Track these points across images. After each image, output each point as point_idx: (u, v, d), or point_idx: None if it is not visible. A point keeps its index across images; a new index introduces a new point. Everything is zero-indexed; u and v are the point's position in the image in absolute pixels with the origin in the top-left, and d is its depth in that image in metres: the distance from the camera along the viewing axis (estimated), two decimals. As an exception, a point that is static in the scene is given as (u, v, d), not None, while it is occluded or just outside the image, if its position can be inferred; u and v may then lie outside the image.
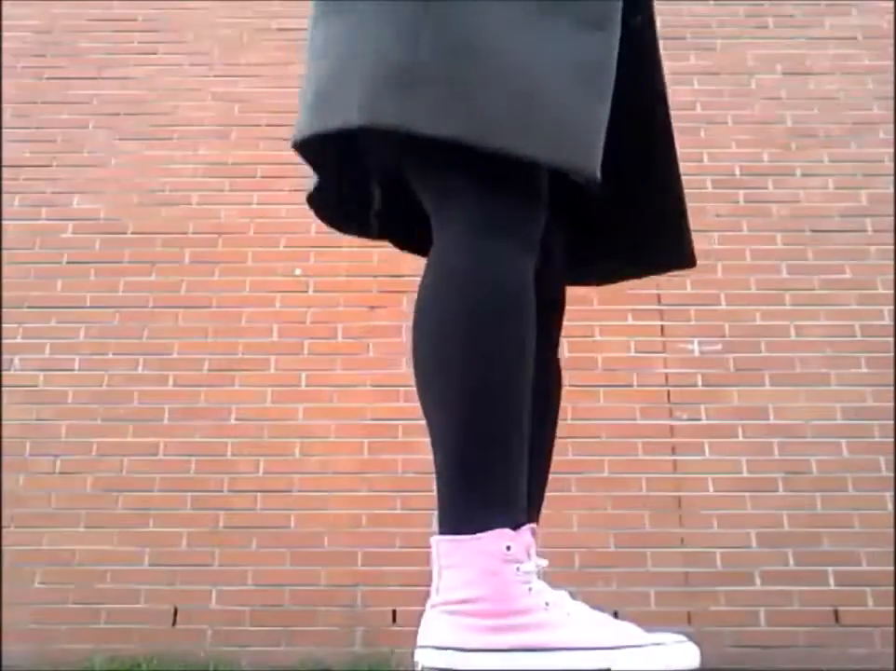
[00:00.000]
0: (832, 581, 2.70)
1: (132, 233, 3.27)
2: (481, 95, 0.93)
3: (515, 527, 0.91)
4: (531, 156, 0.94)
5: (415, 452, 2.83)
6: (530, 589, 0.91)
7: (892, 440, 2.87)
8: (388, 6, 0.97)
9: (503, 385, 0.94)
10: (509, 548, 0.90)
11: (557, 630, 0.91)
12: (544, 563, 0.94)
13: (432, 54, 0.94)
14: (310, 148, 1.05)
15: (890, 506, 2.79)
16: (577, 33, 0.99)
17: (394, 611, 2.69)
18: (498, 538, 0.90)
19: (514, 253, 0.98)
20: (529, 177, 1.01)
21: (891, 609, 2.64)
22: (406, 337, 2.99)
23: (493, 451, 0.93)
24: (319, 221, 1.27)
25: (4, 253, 3.23)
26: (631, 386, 2.97)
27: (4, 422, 2.96)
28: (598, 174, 0.97)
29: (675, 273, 2.59)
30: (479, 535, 0.90)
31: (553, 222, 1.11)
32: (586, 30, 0.99)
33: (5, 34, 3.67)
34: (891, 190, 3.26)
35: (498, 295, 0.96)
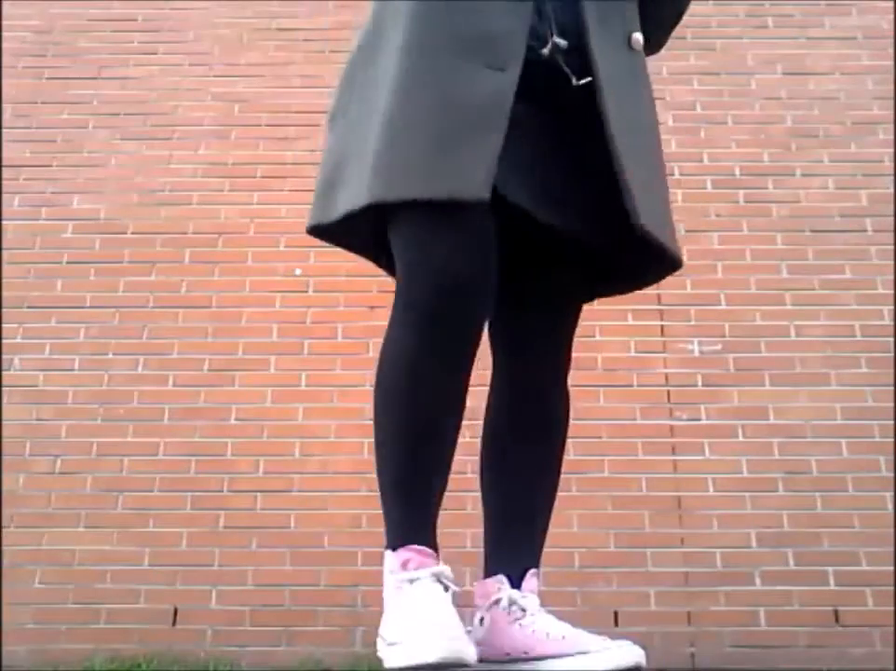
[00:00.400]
0: (832, 581, 2.70)
1: (132, 233, 3.27)
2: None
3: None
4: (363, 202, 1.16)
5: (415, 452, 2.83)
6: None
7: (892, 440, 2.87)
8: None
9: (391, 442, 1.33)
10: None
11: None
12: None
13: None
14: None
15: (890, 506, 2.79)
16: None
17: (394, 611, 2.69)
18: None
19: (398, 330, 1.28)
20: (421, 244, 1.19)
21: (891, 609, 2.64)
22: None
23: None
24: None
25: (4, 252, 3.24)
26: (631, 386, 2.97)
27: (4, 422, 2.96)
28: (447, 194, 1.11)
29: (675, 273, 2.65)
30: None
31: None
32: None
33: (5, 33, 3.67)
34: (891, 190, 3.26)
35: (382, 373, 1.32)
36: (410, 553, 1.13)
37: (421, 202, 1.12)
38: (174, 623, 2.70)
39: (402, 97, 1.17)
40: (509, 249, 1.25)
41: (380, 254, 1.38)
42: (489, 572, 1.26)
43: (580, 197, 1.24)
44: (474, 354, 1.19)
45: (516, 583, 1.22)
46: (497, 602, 1.20)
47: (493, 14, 1.19)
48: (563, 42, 1.22)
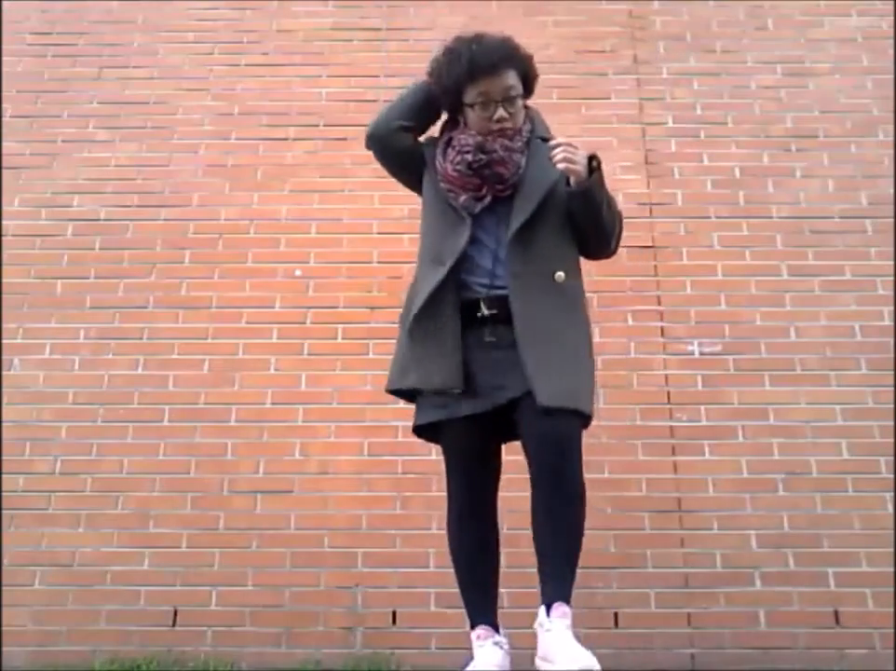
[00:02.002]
0: (832, 582, 2.70)
1: (132, 234, 3.27)
2: None
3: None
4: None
5: (415, 454, 2.83)
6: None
7: (892, 441, 2.87)
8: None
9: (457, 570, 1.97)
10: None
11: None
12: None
13: None
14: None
15: (890, 507, 2.79)
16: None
17: (394, 613, 2.69)
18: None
19: (450, 513, 1.98)
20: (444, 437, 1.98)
21: (892, 610, 2.64)
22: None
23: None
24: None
25: (4, 253, 3.24)
26: (631, 387, 2.97)
27: (4, 423, 2.96)
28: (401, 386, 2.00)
29: (675, 274, 2.75)
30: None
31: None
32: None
33: (5, 34, 3.68)
34: (891, 191, 3.26)
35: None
36: (479, 630, 1.87)
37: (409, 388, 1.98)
38: (174, 624, 2.70)
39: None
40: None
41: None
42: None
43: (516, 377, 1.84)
44: (491, 495, 1.98)
45: (548, 611, 1.78)
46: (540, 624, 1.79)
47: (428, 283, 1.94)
48: (487, 312, 1.89)
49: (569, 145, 1.89)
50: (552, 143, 1.92)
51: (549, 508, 1.80)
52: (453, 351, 1.86)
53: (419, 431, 1.99)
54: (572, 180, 1.91)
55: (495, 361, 1.87)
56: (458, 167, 1.95)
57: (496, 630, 1.86)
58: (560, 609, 1.74)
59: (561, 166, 1.87)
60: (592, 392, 1.92)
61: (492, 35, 1.99)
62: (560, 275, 1.91)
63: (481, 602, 1.90)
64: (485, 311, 1.88)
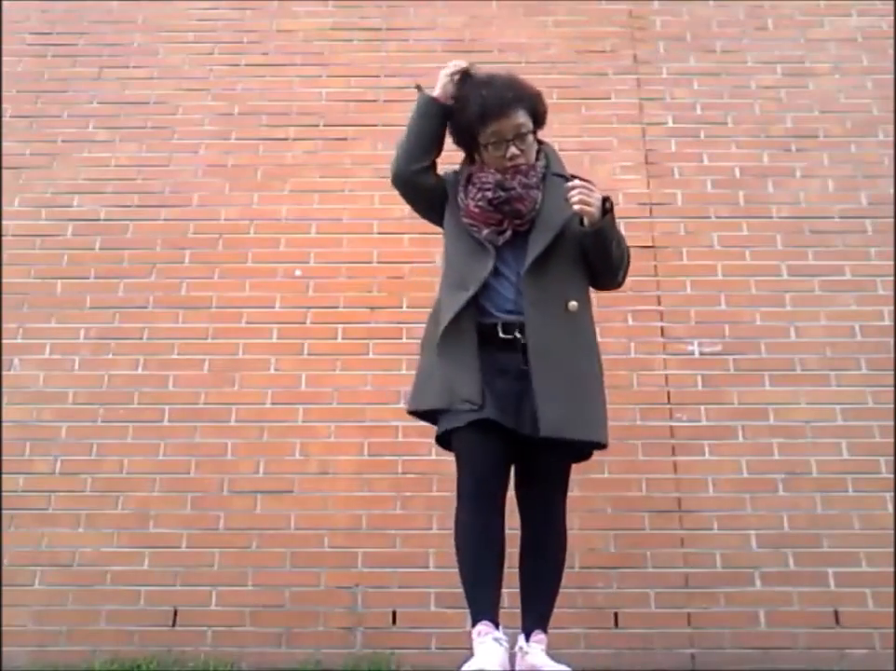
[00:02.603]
0: (832, 582, 2.70)
1: (132, 234, 3.27)
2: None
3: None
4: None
5: (415, 453, 2.83)
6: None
7: (892, 441, 2.87)
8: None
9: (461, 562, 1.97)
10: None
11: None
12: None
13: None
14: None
15: (890, 507, 2.79)
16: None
17: (394, 613, 2.69)
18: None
19: (460, 507, 1.99)
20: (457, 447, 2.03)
21: (892, 610, 2.64)
22: (406, 339, 2.99)
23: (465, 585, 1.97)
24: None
25: (4, 253, 3.24)
26: (631, 387, 2.97)
27: (4, 423, 2.96)
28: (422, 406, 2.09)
29: (675, 274, 2.77)
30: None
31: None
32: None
33: (5, 34, 3.68)
34: (891, 191, 3.26)
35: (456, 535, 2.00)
36: (480, 626, 1.87)
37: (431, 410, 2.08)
38: (174, 624, 2.70)
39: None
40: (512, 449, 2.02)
41: None
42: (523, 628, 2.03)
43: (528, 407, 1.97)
44: (500, 503, 1.98)
45: (527, 638, 1.99)
46: (520, 648, 1.99)
47: (452, 304, 2.06)
48: (508, 336, 2.00)
49: (584, 187, 2.00)
50: (569, 184, 2.02)
51: (540, 554, 2.03)
52: (473, 369, 1.97)
53: (442, 438, 2.07)
54: (586, 220, 2.03)
55: (510, 386, 1.98)
56: (480, 203, 2.07)
57: (497, 627, 1.88)
58: (538, 636, 1.98)
59: (576, 207, 1.99)
60: (605, 418, 2.07)
61: (500, 77, 2.11)
62: (573, 304, 2.04)
63: (484, 597, 1.91)
64: (501, 334, 2.00)
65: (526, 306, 2.00)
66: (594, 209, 2.00)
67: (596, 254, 2.08)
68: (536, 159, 2.15)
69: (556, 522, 2.06)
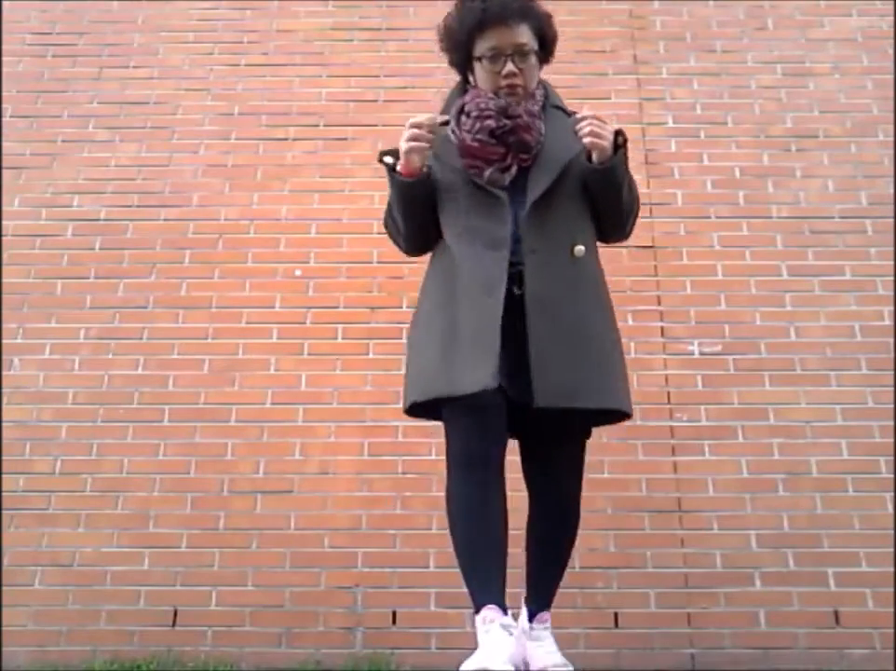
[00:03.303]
0: (832, 582, 2.70)
1: (132, 234, 3.27)
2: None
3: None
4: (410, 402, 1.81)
5: (415, 454, 2.83)
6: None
7: (892, 441, 2.87)
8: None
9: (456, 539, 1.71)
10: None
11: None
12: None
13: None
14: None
15: (891, 507, 2.78)
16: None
17: (394, 613, 2.69)
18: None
19: (453, 477, 1.72)
20: (449, 418, 1.76)
21: (892, 610, 2.64)
22: (406, 339, 2.98)
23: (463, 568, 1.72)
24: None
25: (4, 253, 3.24)
26: (631, 387, 2.96)
27: (4, 423, 2.96)
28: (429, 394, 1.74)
29: (675, 274, 2.75)
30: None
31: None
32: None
33: (5, 34, 3.68)
34: (891, 191, 3.26)
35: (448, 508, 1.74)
36: (485, 612, 1.60)
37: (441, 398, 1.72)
38: (174, 624, 2.70)
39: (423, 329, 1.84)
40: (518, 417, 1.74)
41: None
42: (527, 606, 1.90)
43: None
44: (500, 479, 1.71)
45: (531, 618, 1.86)
46: (525, 630, 1.84)
47: (485, 267, 1.72)
48: (519, 291, 1.72)
49: (596, 118, 1.74)
50: (580, 114, 1.77)
51: (549, 534, 1.84)
52: (492, 346, 1.67)
53: (421, 406, 1.79)
54: (595, 156, 1.76)
55: (509, 348, 1.71)
56: (479, 136, 1.77)
57: (505, 612, 1.61)
58: (544, 616, 1.85)
59: (587, 140, 1.73)
60: (625, 382, 1.84)
61: None
62: (580, 249, 1.77)
63: (485, 576, 1.64)
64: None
65: (526, 252, 1.73)
66: (606, 142, 1.73)
67: (604, 197, 1.80)
68: (535, 87, 1.86)
69: (567, 498, 1.83)
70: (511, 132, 1.76)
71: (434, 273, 1.89)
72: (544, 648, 1.79)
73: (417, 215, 1.85)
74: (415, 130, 1.74)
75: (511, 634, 1.56)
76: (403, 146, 1.75)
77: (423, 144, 1.74)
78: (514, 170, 1.77)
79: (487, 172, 1.77)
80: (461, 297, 1.74)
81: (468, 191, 1.79)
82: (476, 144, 1.77)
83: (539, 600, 1.84)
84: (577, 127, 1.75)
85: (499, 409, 1.69)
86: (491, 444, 1.69)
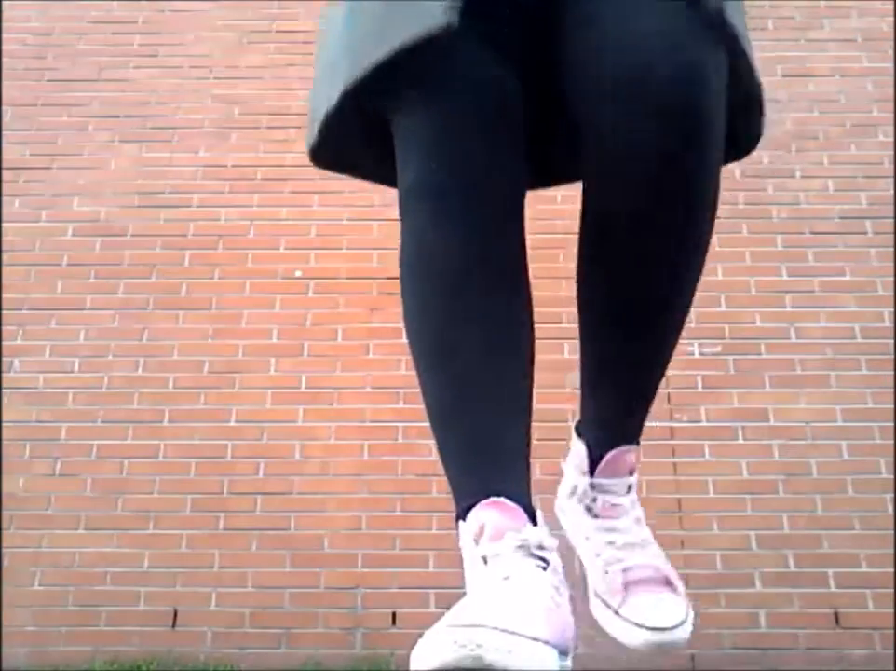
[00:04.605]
0: (832, 583, 2.70)
1: (132, 235, 3.27)
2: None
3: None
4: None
5: (415, 454, 2.83)
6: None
7: (892, 442, 2.87)
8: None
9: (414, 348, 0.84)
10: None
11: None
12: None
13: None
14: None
15: (891, 508, 2.78)
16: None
17: (394, 614, 2.69)
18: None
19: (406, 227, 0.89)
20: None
21: (891, 611, 2.64)
22: (405, 339, 2.98)
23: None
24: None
25: (4, 254, 3.24)
26: (631, 387, 2.97)
27: (4, 424, 2.96)
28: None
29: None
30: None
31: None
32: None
33: (5, 35, 3.68)
34: (891, 192, 3.26)
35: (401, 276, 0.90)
36: (484, 512, 0.73)
37: (402, 62, 0.80)
38: (174, 625, 2.70)
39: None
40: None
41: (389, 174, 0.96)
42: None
43: None
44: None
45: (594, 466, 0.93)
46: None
47: None
48: None
49: None
50: None
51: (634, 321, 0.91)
52: None
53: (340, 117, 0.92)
54: None
55: None
56: None
57: (532, 516, 0.79)
58: (626, 459, 0.96)
59: None
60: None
61: None
62: None
63: (483, 437, 0.81)
64: None
65: None
66: None
67: None
68: None
69: (699, 185, 0.89)
70: None
71: None
72: (647, 552, 0.95)
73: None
74: None
75: (547, 566, 0.78)
76: None
77: None
78: None
79: None
80: None
81: None
82: None
83: (618, 421, 0.99)
84: None
85: (498, 84, 0.88)
86: (485, 152, 0.86)
